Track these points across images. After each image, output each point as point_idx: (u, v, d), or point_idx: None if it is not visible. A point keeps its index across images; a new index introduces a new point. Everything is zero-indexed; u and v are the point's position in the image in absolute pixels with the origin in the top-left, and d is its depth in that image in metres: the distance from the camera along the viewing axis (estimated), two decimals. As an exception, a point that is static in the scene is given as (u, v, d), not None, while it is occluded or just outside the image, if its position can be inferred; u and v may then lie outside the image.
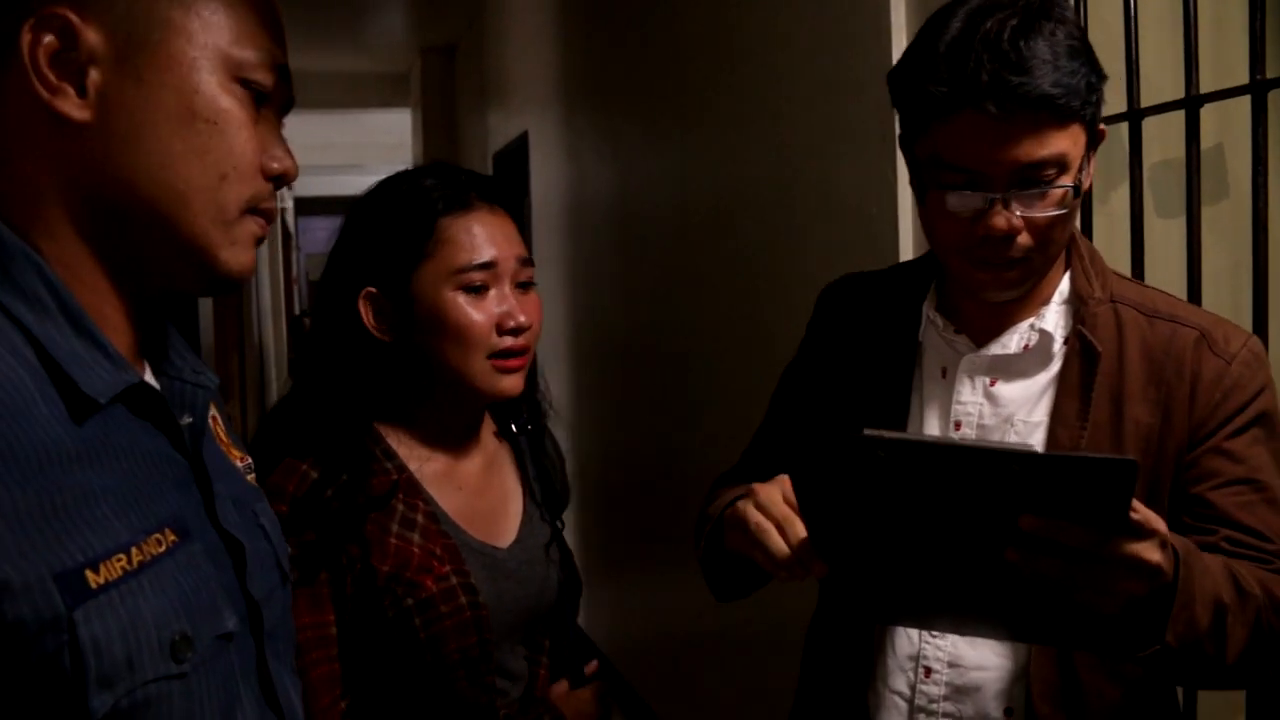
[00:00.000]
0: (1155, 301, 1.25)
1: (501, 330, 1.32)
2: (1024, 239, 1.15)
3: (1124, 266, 1.74)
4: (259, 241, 0.85)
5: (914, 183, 1.22)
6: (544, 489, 1.47)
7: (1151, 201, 1.89)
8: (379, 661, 1.29)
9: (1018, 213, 1.13)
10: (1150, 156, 1.85)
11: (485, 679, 1.32)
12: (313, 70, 8.69)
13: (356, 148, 10.38)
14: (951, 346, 1.28)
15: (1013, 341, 1.24)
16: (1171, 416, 1.18)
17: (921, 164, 1.18)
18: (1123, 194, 1.76)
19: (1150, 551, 0.96)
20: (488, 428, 1.46)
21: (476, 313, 1.31)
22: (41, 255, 0.78)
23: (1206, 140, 1.85)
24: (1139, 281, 1.42)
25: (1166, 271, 1.68)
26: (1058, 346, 1.23)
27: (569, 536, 4.99)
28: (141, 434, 0.80)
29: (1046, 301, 1.25)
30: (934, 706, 1.24)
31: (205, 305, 4.06)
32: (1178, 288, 1.64)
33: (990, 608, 1.08)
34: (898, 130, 1.25)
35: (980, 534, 0.97)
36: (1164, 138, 1.70)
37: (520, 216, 1.40)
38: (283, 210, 10.50)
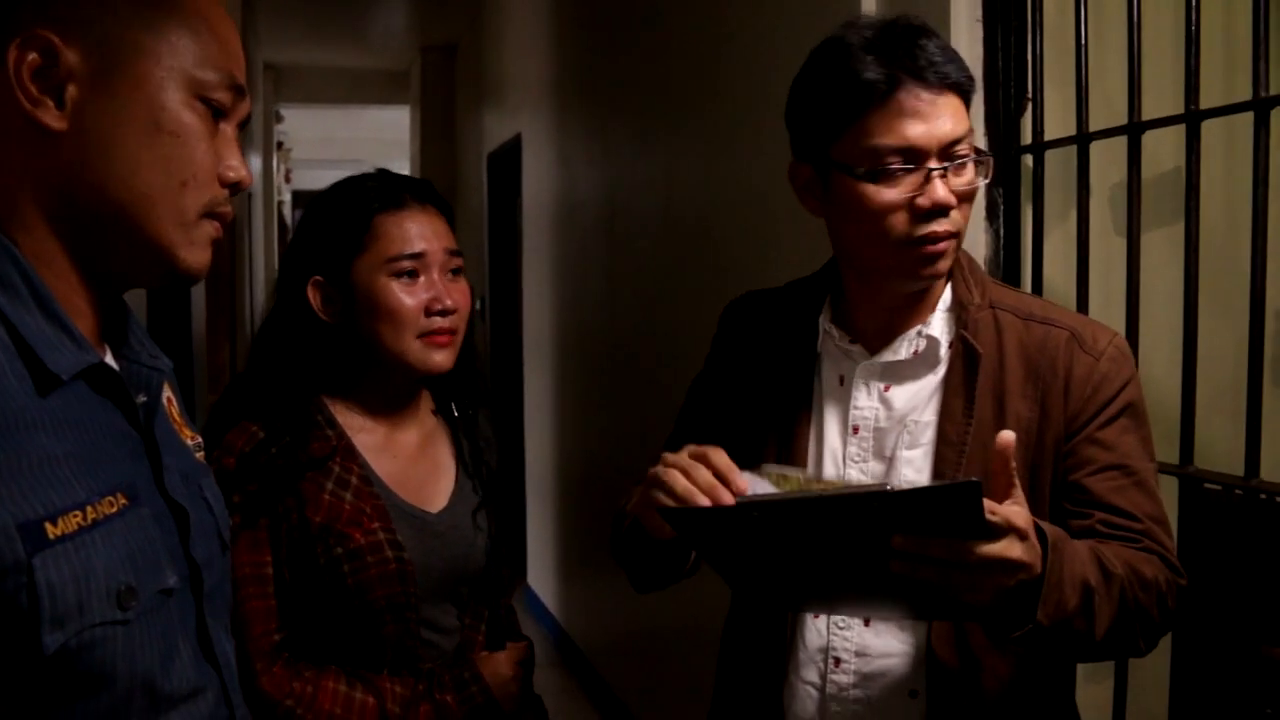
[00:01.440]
0: (1031, 306, 1.36)
1: (430, 312, 1.47)
2: (957, 211, 1.25)
3: (1072, 283, 1.80)
4: (215, 241, 0.95)
5: (822, 191, 1.31)
6: (476, 464, 1.60)
7: (1110, 220, 1.95)
8: (313, 603, 1.43)
9: (950, 184, 1.24)
10: (1112, 175, 1.91)
11: (411, 626, 1.45)
12: (314, 65, 8.74)
13: (355, 143, 10.42)
14: (848, 356, 1.37)
15: (903, 348, 1.34)
16: (1049, 410, 1.28)
17: (847, 165, 1.25)
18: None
19: (1010, 549, 1.06)
20: (426, 405, 1.60)
21: (407, 297, 1.46)
22: (16, 246, 0.87)
23: (1166, 161, 1.91)
24: (1016, 289, 1.54)
25: (1122, 289, 1.73)
26: (944, 351, 1.33)
27: (548, 531, 5.03)
28: (99, 409, 0.89)
29: (932, 309, 1.34)
30: (844, 694, 1.32)
31: (198, 297, 4.11)
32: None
33: (886, 598, 1.19)
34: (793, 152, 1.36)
35: (863, 554, 1.08)
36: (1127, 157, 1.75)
37: (452, 216, 1.56)
38: (280, 204, 10.54)
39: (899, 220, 1.24)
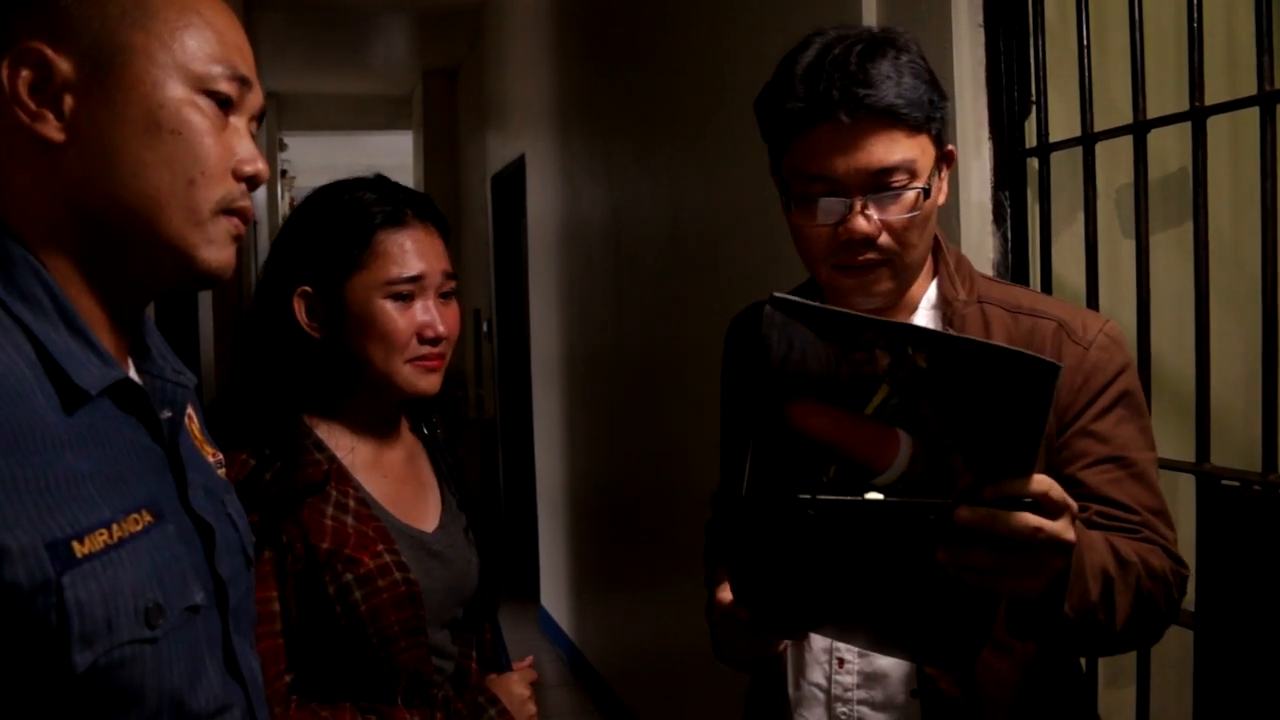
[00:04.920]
0: (1019, 298, 1.34)
1: (422, 339, 1.43)
2: (884, 240, 1.24)
3: (1082, 285, 1.80)
4: (237, 239, 0.93)
5: (783, 203, 1.31)
6: (459, 482, 1.58)
7: (1118, 222, 1.95)
8: (324, 636, 1.37)
9: (875, 216, 1.23)
10: (1118, 178, 1.91)
11: (424, 651, 1.42)
12: (316, 93, 8.78)
13: (358, 169, 10.35)
14: None
15: None
16: None
17: (786, 182, 1.28)
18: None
19: (1068, 530, 1.03)
20: (405, 423, 1.56)
21: (402, 320, 1.42)
22: (40, 262, 0.86)
23: (1172, 163, 1.91)
24: (1004, 281, 1.52)
25: (1132, 290, 1.73)
26: None
27: (561, 550, 5.02)
28: (124, 425, 0.88)
29: (915, 308, 1.35)
30: (848, 695, 1.33)
31: (205, 312, 4.12)
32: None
33: (901, 623, 1.16)
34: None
35: (912, 554, 1.06)
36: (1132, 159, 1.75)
37: (449, 234, 1.51)
38: (285, 230, 10.55)
39: (823, 245, 1.26)
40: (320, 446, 1.43)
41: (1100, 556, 1.13)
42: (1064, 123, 1.84)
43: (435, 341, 1.44)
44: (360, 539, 1.38)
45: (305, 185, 11.33)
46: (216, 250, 0.91)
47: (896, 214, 1.23)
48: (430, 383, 1.45)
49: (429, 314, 1.44)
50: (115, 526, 0.82)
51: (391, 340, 1.41)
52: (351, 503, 1.41)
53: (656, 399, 3.50)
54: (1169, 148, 1.82)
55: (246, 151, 0.92)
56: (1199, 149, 1.53)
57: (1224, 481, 1.54)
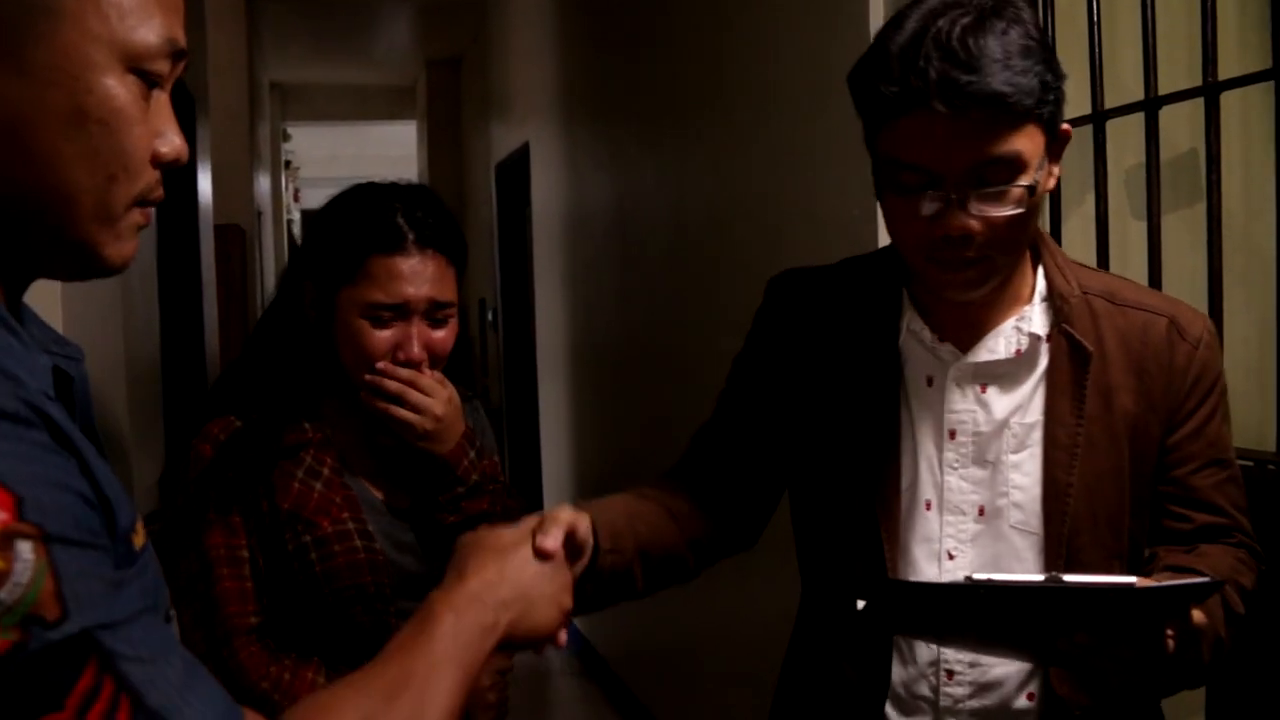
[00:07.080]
0: (1120, 289, 1.27)
1: (394, 360, 1.45)
2: (982, 238, 1.13)
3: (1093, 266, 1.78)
4: (142, 228, 0.80)
5: (875, 182, 1.21)
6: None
7: (1127, 203, 1.93)
8: (288, 593, 1.45)
9: (974, 212, 1.12)
10: (1126, 159, 1.89)
11: (387, 618, 1.45)
12: (320, 84, 8.79)
13: (362, 160, 10.44)
14: (935, 355, 1.26)
15: (1000, 346, 1.24)
16: (1154, 404, 1.22)
17: (880, 162, 1.17)
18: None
19: (1200, 616, 1.09)
20: None
21: (377, 340, 1.44)
22: None
23: (1181, 143, 1.89)
24: (1095, 268, 1.42)
25: (1141, 273, 1.72)
26: (1042, 346, 1.24)
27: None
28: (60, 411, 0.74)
29: (1026, 301, 1.25)
30: (959, 707, 1.25)
31: (210, 317, 4.12)
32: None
33: (1021, 649, 1.22)
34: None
35: (1044, 631, 1.12)
36: (1141, 140, 1.74)
37: (461, 259, 1.51)
38: (289, 222, 10.56)
39: (916, 235, 1.16)
40: (312, 416, 1.49)
41: (1214, 626, 1.15)
42: (1073, 101, 1.82)
43: (409, 364, 1.44)
44: (323, 504, 1.44)
45: (309, 176, 11.35)
46: (123, 245, 0.78)
47: (999, 211, 1.12)
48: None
49: (407, 337, 1.44)
50: (138, 523, 0.75)
51: (363, 356, 1.44)
52: (326, 471, 1.47)
53: (663, 386, 3.49)
54: (1177, 129, 1.80)
55: (170, 132, 0.78)
56: (1212, 125, 1.51)
57: (1239, 461, 1.52)
